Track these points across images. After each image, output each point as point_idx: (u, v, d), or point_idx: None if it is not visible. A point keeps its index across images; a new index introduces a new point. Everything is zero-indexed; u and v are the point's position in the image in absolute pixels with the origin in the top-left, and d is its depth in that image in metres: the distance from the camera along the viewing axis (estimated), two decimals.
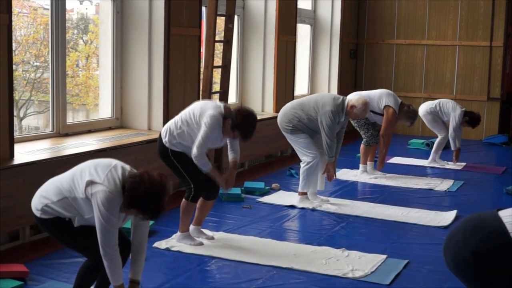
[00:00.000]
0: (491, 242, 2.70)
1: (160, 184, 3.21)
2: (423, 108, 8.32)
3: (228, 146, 4.87)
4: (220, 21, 7.08)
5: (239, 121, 4.58)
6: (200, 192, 4.79)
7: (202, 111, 4.62)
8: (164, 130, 4.74)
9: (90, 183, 3.24)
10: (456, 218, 5.86)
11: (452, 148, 8.38)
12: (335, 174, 6.13)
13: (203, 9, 7.05)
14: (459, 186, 7.28)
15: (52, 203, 3.32)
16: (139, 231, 3.46)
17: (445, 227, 5.59)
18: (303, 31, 10.35)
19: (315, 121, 5.97)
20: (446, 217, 5.89)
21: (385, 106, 7.32)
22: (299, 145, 6.08)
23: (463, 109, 8.22)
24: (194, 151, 4.57)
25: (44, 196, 3.36)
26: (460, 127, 8.23)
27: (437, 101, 8.36)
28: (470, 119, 8.19)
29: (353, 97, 6.10)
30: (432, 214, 6.03)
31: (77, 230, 3.36)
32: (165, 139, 4.69)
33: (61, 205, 3.31)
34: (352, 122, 7.54)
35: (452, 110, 8.15)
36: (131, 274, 3.51)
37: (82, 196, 3.26)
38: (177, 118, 4.73)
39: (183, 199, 4.84)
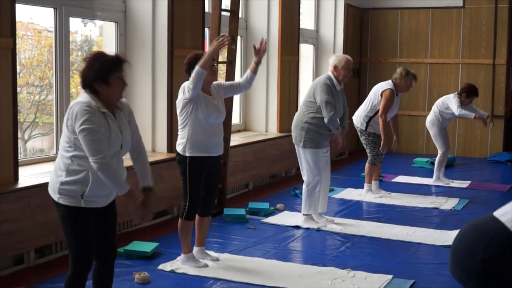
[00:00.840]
0: (497, 246, 2.67)
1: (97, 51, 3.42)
2: (428, 121, 8.32)
3: (241, 83, 4.95)
4: None
5: (190, 60, 4.69)
6: (193, 211, 4.79)
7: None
8: (177, 146, 4.78)
9: (68, 117, 3.28)
10: None
11: (472, 117, 8.10)
12: (343, 142, 6.09)
13: (206, 30, 7.08)
14: (464, 205, 7.25)
15: (64, 177, 3.32)
16: (134, 141, 3.54)
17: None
18: (306, 51, 10.38)
19: (321, 114, 5.98)
20: (452, 236, 5.84)
21: (381, 95, 7.31)
22: (306, 160, 6.08)
23: (456, 92, 8.22)
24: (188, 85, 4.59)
25: (57, 175, 3.37)
26: (467, 106, 8.12)
27: (433, 106, 8.35)
28: (467, 92, 8.10)
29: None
30: (438, 233, 6.01)
31: (79, 230, 3.36)
32: (181, 150, 4.73)
33: (71, 172, 3.31)
34: (361, 138, 7.51)
35: (447, 100, 8.14)
36: (141, 182, 3.52)
37: (70, 135, 3.28)
38: (179, 126, 4.79)
39: (179, 219, 4.84)
